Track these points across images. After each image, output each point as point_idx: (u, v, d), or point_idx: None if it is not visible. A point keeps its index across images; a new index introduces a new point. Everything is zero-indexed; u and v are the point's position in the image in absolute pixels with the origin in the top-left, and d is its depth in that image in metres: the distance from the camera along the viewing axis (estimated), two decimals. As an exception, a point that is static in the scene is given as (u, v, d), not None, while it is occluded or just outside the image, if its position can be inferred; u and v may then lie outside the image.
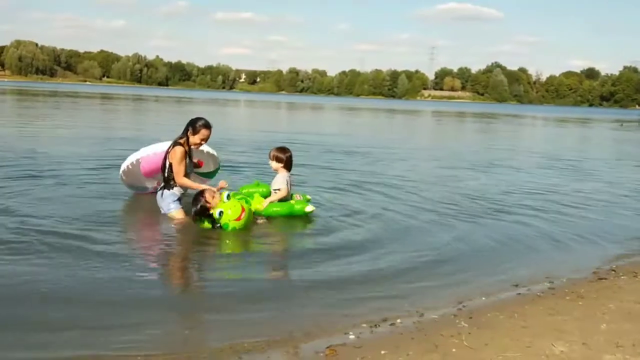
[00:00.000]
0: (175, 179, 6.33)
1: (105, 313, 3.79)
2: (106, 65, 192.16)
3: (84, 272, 4.48)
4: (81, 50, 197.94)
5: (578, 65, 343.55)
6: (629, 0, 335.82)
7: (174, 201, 6.40)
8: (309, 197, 7.00)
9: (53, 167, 9.32)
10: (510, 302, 4.36)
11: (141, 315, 3.78)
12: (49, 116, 24.32)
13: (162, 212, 6.43)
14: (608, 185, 10.76)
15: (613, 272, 5.25)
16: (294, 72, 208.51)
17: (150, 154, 6.77)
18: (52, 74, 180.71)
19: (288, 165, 6.84)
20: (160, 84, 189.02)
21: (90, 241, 5.29)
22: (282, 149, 6.89)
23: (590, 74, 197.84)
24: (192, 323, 3.78)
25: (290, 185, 6.82)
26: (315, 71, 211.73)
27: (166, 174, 6.37)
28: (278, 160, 6.79)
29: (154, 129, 19.88)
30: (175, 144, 6.34)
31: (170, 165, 6.32)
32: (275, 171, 6.85)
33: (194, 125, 6.40)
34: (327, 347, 3.38)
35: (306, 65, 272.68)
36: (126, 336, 3.45)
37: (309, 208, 6.58)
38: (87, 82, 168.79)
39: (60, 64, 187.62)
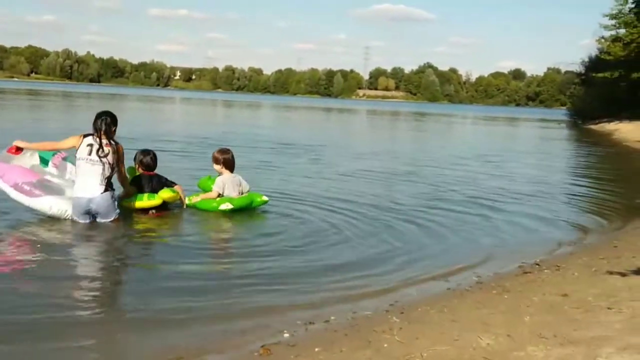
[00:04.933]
0: (124, 178, 6.29)
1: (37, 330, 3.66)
2: (34, 61, 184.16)
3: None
4: (8, 46, 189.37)
5: (506, 66, 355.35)
6: (554, 5, 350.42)
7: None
8: (266, 198, 7.02)
9: None
10: (440, 296, 4.48)
11: (68, 329, 3.62)
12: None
13: (109, 218, 5.95)
14: (536, 181, 11.21)
15: (537, 266, 5.46)
16: (230, 70, 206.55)
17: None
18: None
19: (228, 166, 6.87)
20: (91, 80, 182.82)
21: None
22: (222, 151, 6.99)
23: (517, 74, 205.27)
24: (126, 327, 3.68)
25: (237, 185, 6.90)
26: (251, 69, 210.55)
27: (111, 173, 5.99)
28: (217, 161, 6.87)
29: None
30: (114, 141, 6.02)
31: (117, 164, 6.02)
32: (220, 173, 6.89)
33: (116, 121, 6.12)
34: (261, 347, 3.38)
35: (244, 63, 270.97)
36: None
37: (224, 206, 6.64)
38: (15, 78, 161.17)
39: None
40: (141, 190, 6.47)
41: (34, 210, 5.91)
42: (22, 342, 3.33)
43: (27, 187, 5.81)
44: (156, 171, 6.71)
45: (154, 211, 6.41)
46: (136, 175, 6.64)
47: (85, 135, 5.95)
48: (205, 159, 8.37)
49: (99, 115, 6.02)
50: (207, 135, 18.00)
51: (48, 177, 6.11)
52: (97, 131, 5.92)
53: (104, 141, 5.89)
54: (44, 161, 6.23)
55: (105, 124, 5.94)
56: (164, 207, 6.51)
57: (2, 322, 3.57)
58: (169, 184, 6.68)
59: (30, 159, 6.18)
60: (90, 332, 3.54)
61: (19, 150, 6.11)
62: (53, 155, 6.30)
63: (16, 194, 5.82)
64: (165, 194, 6.44)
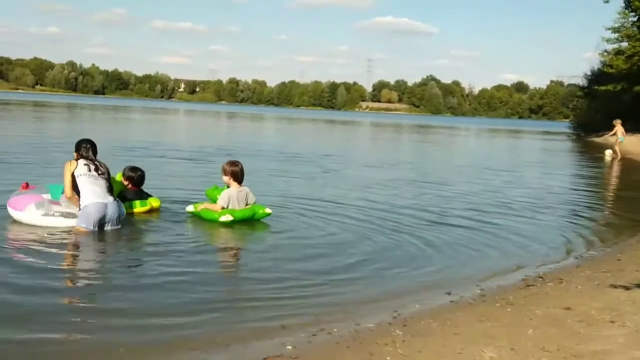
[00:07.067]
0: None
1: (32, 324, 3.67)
2: (39, 73, 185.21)
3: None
4: (13, 57, 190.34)
5: (508, 79, 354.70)
6: (555, 19, 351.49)
7: None
8: (269, 210, 7.05)
9: None
10: (443, 309, 4.48)
11: (62, 347, 3.61)
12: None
13: (117, 226, 6.31)
14: (539, 193, 11.19)
15: (540, 278, 5.46)
16: (234, 82, 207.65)
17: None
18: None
19: (236, 178, 6.88)
20: (96, 92, 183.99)
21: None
22: (231, 163, 7.02)
23: (520, 87, 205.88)
24: (126, 342, 3.67)
25: (243, 199, 6.93)
26: (255, 81, 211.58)
27: (111, 189, 6.41)
28: (225, 173, 6.90)
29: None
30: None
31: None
32: (227, 184, 6.92)
33: (96, 146, 6.53)
34: (264, 358, 3.38)
35: (247, 75, 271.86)
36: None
37: (224, 218, 6.69)
38: (20, 90, 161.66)
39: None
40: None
41: (47, 226, 6.12)
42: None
43: (44, 205, 6.21)
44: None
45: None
46: (123, 189, 7.13)
47: (76, 159, 6.32)
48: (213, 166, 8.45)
49: (82, 143, 6.43)
50: (222, 145, 18.04)
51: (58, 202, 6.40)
52: (85, 157, 6.32)
53: (97, 162, 6.38)
54: (55, 197, 6.47)
55: (90, 151, 6.40)
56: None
57: None
58: (147, 197, 7.23)
59: (43, 191, 6.54)
60: (88, 350, 3.50)
61: (29, 186, 6.62)
62: (62, 193, 6.58)
63: (31, 214, 6.13)
64: (155, 202, 7.18)
